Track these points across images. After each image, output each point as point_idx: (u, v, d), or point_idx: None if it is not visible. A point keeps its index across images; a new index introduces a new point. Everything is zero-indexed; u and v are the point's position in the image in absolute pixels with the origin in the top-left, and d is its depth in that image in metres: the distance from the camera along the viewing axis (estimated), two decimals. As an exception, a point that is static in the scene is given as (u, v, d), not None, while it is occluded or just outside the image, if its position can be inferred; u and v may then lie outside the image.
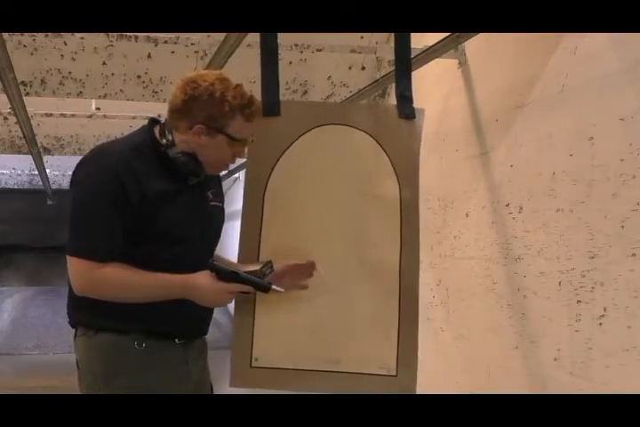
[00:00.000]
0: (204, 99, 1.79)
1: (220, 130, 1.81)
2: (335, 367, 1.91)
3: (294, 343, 1.91)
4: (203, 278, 1.78)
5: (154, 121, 1.92)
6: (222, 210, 2.01)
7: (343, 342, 1.93)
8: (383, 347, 1.93)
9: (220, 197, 2.00)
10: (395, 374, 1.93)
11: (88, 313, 1.88)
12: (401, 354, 1.93)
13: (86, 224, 1.81)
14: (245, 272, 1.79)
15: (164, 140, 1.85)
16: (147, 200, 1.80)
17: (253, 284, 1.79)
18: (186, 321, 1.88)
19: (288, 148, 1.90)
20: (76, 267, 1.80)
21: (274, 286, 1.79)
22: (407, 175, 1.97)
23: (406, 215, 1.96)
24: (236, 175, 7.99)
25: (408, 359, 1.94)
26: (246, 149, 1.93)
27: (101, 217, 1.79)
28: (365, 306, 1.94)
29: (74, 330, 1.93)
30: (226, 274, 1.77)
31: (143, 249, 1.81)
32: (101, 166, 1.82)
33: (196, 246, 1.87)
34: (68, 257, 1.81)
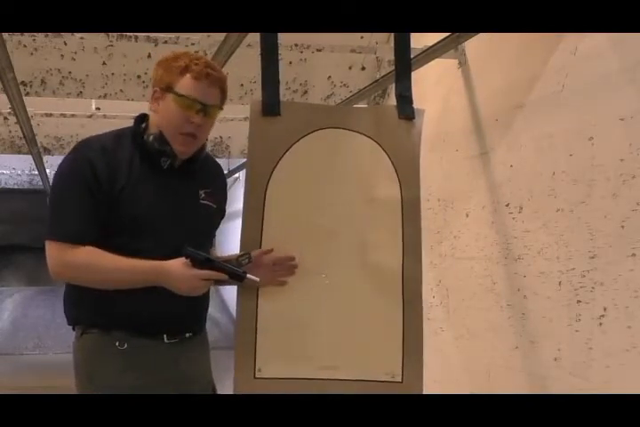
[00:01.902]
0: (160, 63, 1.87)
1: (169, 88, 1.83)
2: (339, 375, 1.87)
3: (297, 352, 1.88)
4: (175, 265, 1.77)
5: (142, 115, 1.94)
6: (215, 211, 1.99)
7: (346, 348, 1.90)
8: (387, 352, 1.90)
9: (214, 197, 1.98)
10: (400, 380, 1.89)
11: (77, 309, 1.90)
12: (406, 359, 1.90)
13: (58, 208, 1.84)
14: (221, 261, 1.78)
15: (142, 127, 1.89)
16: (118, 186, 1.82)
17: (227, 271, 1.77)
18: (170, 317, 1.86)
19: (288, 149, 1.88)
20: (49, 250, 1.82)
21: (249, 275, 1.77)
22: (408, 176, 1.96)
23: (408, 216, 1.94)
24: (237, 175, 8.00)
25: (414, 365, 1.91)
26: (247, 150, 1.92)
27: (72, 201, 1.81)
28: (368, 311, 1.91)
29: (73, 331, 1.93)
30: (199, 261, 1.76)
31: (113, 241, 1.81)
32: (76, 153, 1.87)
33: (169, 241, 1.84)
34: (45, 242, 1.83)
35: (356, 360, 1.90)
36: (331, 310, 1.89)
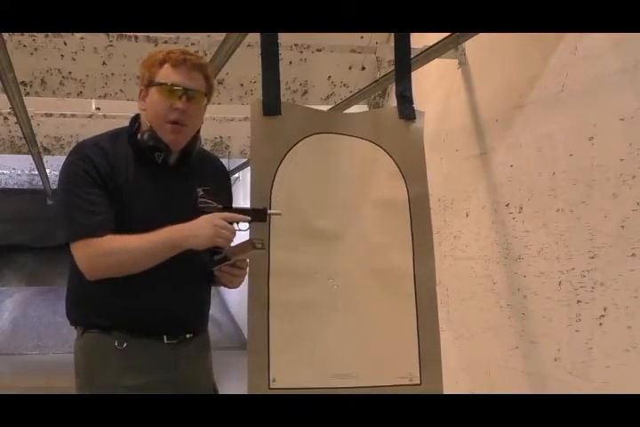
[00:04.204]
0: (141, 64, 1.89)
1: (151, 82, 1.85)
2: (355, 383, 1.83)
3: (312, 361, 1.84)
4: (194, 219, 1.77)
5: (137, 115, 1.95)
6: (214, 209, 1.98)
7: (361, 354, 1.86)
8: (403, 355, 1.87)
9: (214, 195, 1.95)
10: (419, 382, 1.86)
11: (78, 309, 1.90)
12: (423, 360, 1.87)
13: (71, 208, 1.84)
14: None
15: (135, 126, 1.91)
16: (118, 185, 1.83)
17: (247, 212, 1.72)
18: (170, 318, 1.86)
19: (290, 150, 1.87)
20: (77, 250, 1.82)
21: (270, 211, 1.72)
22: (414, 174, 1.95)
23: (417, 214, 1.93)
24: (237, 175, 8.00)
25: (431, 365, 1.88)
26: (250, 151, 1.91)
27: (82, 196, 1.81)
28: (380, 314, 1.88)
29: (75, 331, 1.93)
30: (215, 209, 1.75)
31: None
32: (75, 154, 1.88)
33: None
34: (70, 246, 1.83)
35: (371, 366, 1.86)
36: (343, 318, 1.86)
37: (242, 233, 1.82)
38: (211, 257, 1.83)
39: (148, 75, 1.86)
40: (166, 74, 1.83)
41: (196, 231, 1.75)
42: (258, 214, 1.73)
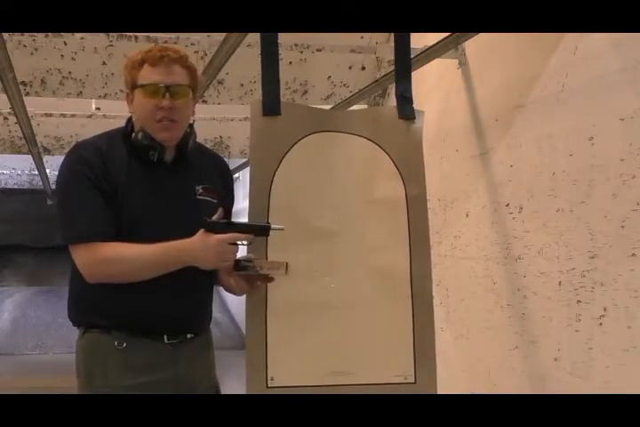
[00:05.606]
0: (124, 68, 1.90)
1: (134, 85, 1.86)
2: (352, 380, 1.85)
3: (309, 359, 1.85)
4: (197, 236, 1.75)
5: (132, 117, 1.95)
6: (216, 207, 1.96)
7: (358, 353, 1.87)
8: (399, 354, 1.88)
9: (214, 193, 1.96)
10: (413, 381, 1.88)
11: (79, 309, 1.91)
12: (418, 359, 1.88)
13: (71, 211, 1.84)
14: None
15: (130, 127, 1.91)
16: (115, 186, 1.83)
17: (250, 228, 1.75)
18: (171, 318, 1.86)
19: (289, 150, 1.87)
20: (77, 254, 1.82)
21: (273, 226, 1.75)
22: (412, 173, 1.95)
23: (414, 214, 1.93)
24: (236, 175, 8.01)
25: (426, 364, 1.89)
26: (249, 151, 1.90)
27: (82, 200, 1.82)
28: (377, 314, 1.89)
29: (76, 331, 1.94)
30: (219, 226, 1.74)
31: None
32: (71, 155, 1.88)
33: (167, 239, 1.81)
34: (69, 248, 1.83)
35: (367, 364, 1.88)
36: (340, 317, 1.87)
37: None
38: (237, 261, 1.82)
39: (130, 78, 1.86)
40: (146, 74, 1.83)
41: (202, 257, 1.76)
42: (261, 231, 1.76)
